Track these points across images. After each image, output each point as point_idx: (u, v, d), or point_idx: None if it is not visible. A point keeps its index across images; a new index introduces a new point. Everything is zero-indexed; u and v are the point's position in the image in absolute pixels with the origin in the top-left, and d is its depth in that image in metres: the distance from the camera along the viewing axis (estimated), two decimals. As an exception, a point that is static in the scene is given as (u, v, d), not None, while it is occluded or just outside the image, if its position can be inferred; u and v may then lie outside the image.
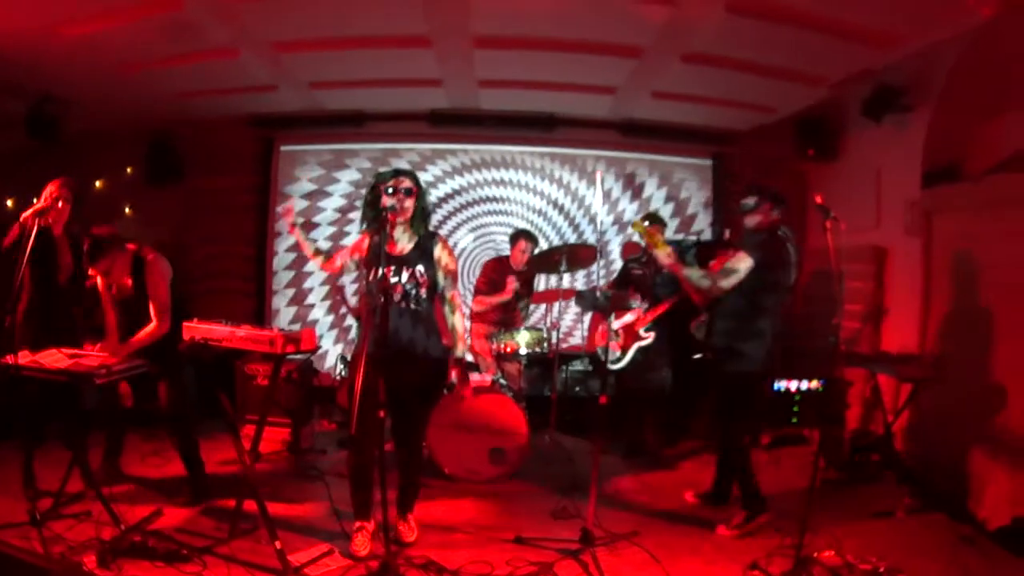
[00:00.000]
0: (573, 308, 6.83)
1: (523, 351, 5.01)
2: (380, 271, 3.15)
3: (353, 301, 5.87)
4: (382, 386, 3.16)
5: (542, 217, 6.87)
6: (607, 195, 6.85)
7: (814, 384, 5.29)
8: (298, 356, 4.40)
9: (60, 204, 4.01)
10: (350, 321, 6.56)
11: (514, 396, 4.62)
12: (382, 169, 5.21)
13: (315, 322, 6.75)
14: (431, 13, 4.30)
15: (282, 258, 6.77)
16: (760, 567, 3.21)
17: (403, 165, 6.58)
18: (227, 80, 5.46)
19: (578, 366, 6.69)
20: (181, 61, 4.92)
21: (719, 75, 5.15)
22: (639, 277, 5.11)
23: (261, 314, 6.64)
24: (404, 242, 3.38)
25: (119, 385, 3.86)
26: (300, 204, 6.67)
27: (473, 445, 4.42)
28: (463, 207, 6.85)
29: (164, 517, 3.50)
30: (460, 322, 3.44)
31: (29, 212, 3.44)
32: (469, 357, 5.91)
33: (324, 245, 6.67)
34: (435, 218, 6.56)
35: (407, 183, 3.29)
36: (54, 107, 5.29)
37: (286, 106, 6.22)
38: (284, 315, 6.76)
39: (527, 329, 5.10)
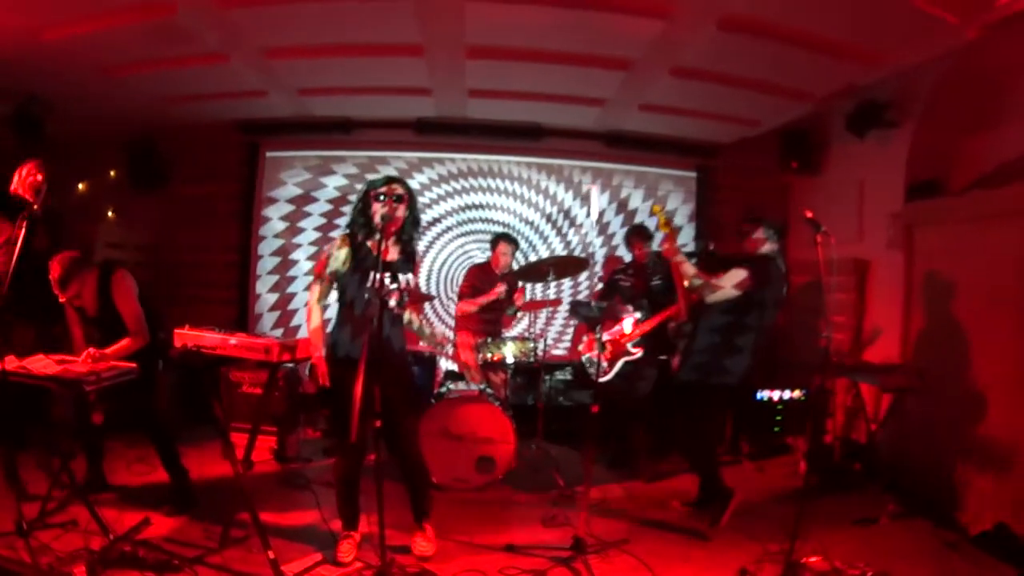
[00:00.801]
0: (559, 318, 6.87)
1: (510, 360, 5.01)
2: (376, 277, 3.14)
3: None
4: (378, 393, 3.15)
5: (528, 225, 6.90)
6: (587, 202, 6.91)
7: (797, 394, 5.38)
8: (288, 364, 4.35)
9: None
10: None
11: (500, 405, 4.61)
12: (373, 176, 5.19)
13: (298, 328, 6.68)
14: (427, 23, 4.30)
15: (266, 262, 6.72)
16: (750, 573, 3.26)
17: (391, 172, 6.59)
18: (216, 85, 5.39)
19: (560, 376, 6.70)
20: (170, 65, 4.86)
21: (706, 89, 5.20)
22: (626, 288, 5.17)
23: (244, 321, 6.56)
24: (393, 250, 3.39)
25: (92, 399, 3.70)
26: (286, 208, 6.64)
27: (461, 454, 4.41)
28: (448, 214, 6.86)
29: (152, 526, 3.44)
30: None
31: (30, 196, 3.36)
32: (454, 367, 5.91)
33: (310, 251, 6.69)
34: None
35: (399, 190, 3.30)
36: (39, 107, 5.21)
37: (274, 112, 6.17)
38: (267, 320, 6.70)
39: (513, 340, 5.05)
